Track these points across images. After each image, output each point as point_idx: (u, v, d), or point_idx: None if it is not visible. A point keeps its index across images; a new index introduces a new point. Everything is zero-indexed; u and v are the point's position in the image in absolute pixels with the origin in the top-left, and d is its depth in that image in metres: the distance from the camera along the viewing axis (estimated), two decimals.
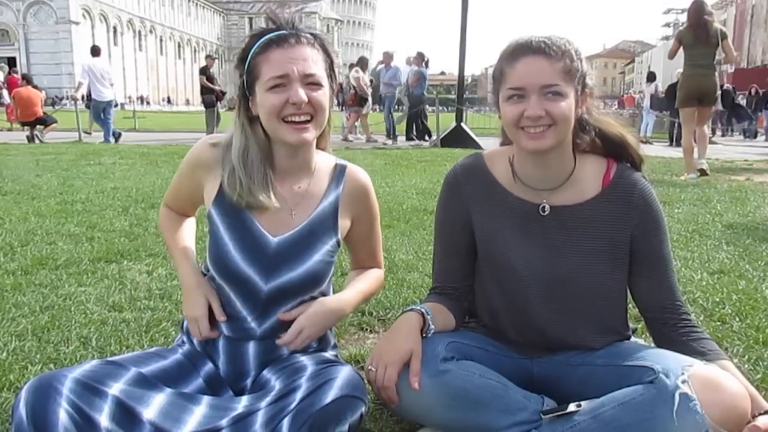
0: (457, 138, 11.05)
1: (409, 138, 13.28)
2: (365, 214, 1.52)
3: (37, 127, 11.98)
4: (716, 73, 6.16)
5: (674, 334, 1.41)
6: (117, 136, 11.92)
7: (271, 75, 1.27)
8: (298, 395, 1.18)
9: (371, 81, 14.44)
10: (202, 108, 14.15)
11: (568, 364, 1.46)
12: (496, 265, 1.48)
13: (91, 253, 3.18)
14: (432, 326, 1.42)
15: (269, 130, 1.33)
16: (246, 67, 1.32)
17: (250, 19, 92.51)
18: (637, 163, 1.46)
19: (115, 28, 65.08)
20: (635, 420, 1.22)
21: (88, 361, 1.24)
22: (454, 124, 11.83)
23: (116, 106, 12.79)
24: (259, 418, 1.17)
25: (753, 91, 18.70)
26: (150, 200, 4.76)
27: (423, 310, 1.43)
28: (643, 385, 1.25)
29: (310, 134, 1.32)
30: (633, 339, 1.56)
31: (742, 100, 17.39)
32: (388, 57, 13.57)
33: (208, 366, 1.40)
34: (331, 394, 1.18)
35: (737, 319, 2.33)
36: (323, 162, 1.47)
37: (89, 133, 13.13)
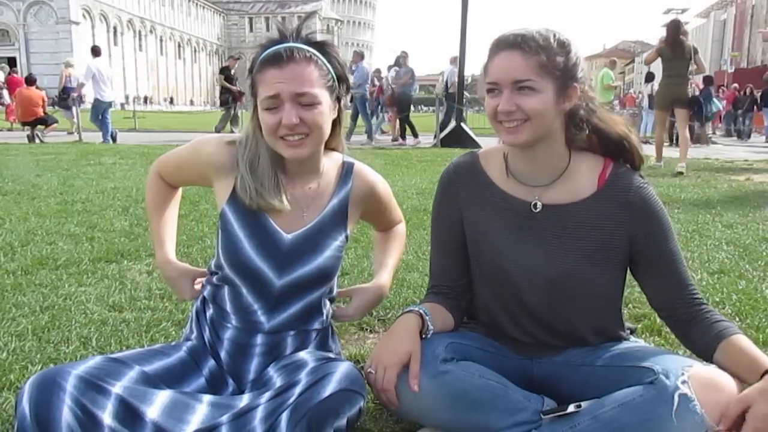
0: (457, 138, 11.06)
1: (395, 139, 13.19)
2: (375, 205, 1.59)
3: (38, 127, 11.99)
4: (689, 83, 7.38)
5: (688, 326, 1.40)
6: (114, 137, 11.94)
7: (265, 95, 1.29)
8: (297, 390, 1.19)
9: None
10: (203, 108, 14.16)
11: (568, 365, 1.45)
12: (487, 265, 1.47)
13: (92, 253, 3.18)
14: (431, 327, 1.42)
15: (269, 144, 1.35)
16: (251, 81, 1.34)
17: (250, 19, 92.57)
18: (636, 164, 1.44)
19: (115, 28, 65.08)
20: (635, 421, 1.22)
21: (92, 357, 1.24)
22: (454, 124, 11.83)
23: (113, 106, 12.78)
24: (258, 413, 1.18)
25: (748, 91, 18.61)
26: None
27: (421, 311, 1.43)
28: (643, 386, 1.25)
29: (306, 150, 1.33)
30: (633, 339, 1.56)
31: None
32: (357, 56, 13.42)
33: (211, 363, 1.41)
34: (330, 388, 1.19)
35: (737, 319, 2.33)
36: (331, 161, 1.49)
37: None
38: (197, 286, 1.55)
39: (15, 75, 19.96)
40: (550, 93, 1.30)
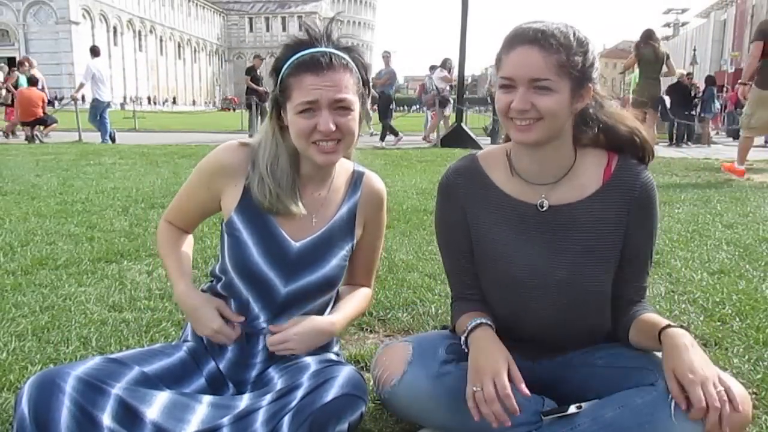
0: (457, 138, 11.04)
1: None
2: (374, 221, 1.53)
3: (37, 127, 11.99)
4: (659, 84, 8.58)
5: (620, 313, 1.41)
6: (113, 137, 11.95)
7: (301, 100, 1.27)
8: (299, 393, 1.19)
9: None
10: (204, 109, 14.15)
11: (568, 365, 1.45)
12: (492, 268, 1.45)
13: (91, 253, 3.18)
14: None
15: (299, 148, 1.34)
16: (279, 81, 1.32)
17: (250, 19, 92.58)
18: (646, 159, 1.40)
19: (115, 28, 65.11)
20: (635, 422, 1.22)
21: (92, 358, 1.24)
22: (454, 124, 11.83)
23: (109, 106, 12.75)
24: (260, 416, 1.18)
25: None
26: (150, 200, 4.76)
27: (485, 321, 1.38)
28: (643, 388, 1.25)
29: (338, 156, 1.35)
30: None
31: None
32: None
33: (211, 364, 1.41)
34: (332, 393, 1.19)
35: (737, 319, 2.33)
36: (341, 168, 1.48)
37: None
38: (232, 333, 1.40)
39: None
40: (566, 93, 1.25)
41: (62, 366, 1.17)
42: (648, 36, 8.26)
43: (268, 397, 1.21)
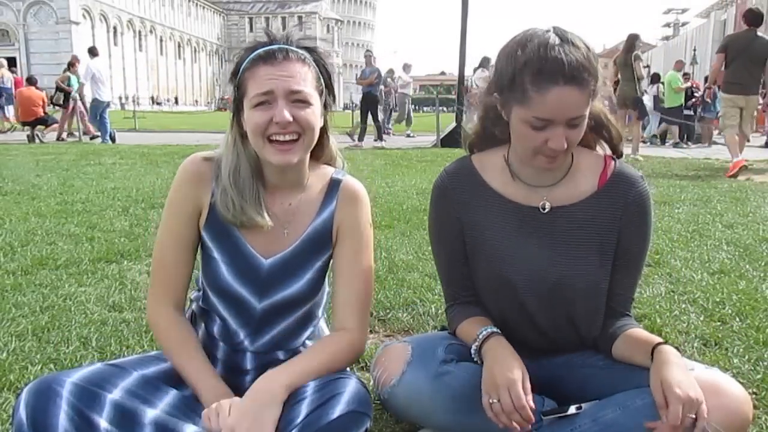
0: (457, 138, 11.05)
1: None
2: (353, 234, 1.38)
3: (38, 126, 12.00)
4: (633, 85, 8.94)
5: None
6: (113, 137, 11.95)
7: (256, 92, 1.23)
8: (304, 409, 1.16)
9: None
10: (204, 109, 14.09)
11: (569, 365, 1.45)
12: (487, 271, 1.44)
13: (92, 253, 3.18)
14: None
15: (255, 149, 1.29)
16: (237, 82, 1.28)
17: (250, 19, 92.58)
18: (615, 141, 1.42)
19: (115, 28, 65.12)
20: (636, 423, 1.21)
21: (89, 364, 1.24)
22: (453, 124, 11.83)
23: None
24: None
25: None
26: (150, 200, 4.76)
27: (496, 330, 1.37)
28: (644, 389, 1.24)
29: (296, 155, 1.27)
30: None
31: None
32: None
33: None
34: (338, 409, 1.15)
35: (737, 319, 2.33)
36: (318, 175, 1.40)
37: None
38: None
39: (15, 75, 19.94)
40: (587, 115, 1.27)
41: (59, 372, 1.17)
42: (629, 43, 9.01)
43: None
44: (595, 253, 1.38)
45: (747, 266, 3.06)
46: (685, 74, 16.21)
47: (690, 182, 6.34)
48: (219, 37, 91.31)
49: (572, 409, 1.28)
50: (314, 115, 1.27)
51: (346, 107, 42.27)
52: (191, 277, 1.39)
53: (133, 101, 29.79)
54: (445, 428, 1.38)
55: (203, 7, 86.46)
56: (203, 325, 1.43)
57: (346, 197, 1.39)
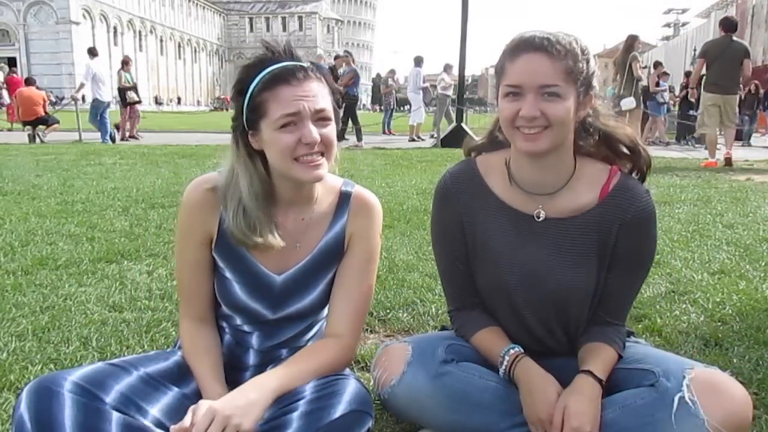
0: (457, 138, 11.03)
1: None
2: (363, 243, 1.40)
3: (39, 126, 12.01)
4: (632, 85, 9.34)
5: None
6: (113, 137, 11.97)
7: (282, 113, 1.21)
8: (303, 409, 1.16)
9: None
10: (204, 109, 14.09)
11: (569, 366, 1.44)
12: (485, 275, 1.44)
13: (92, 253, 3.18)
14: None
15: (281, 169, 1.28)
16: (248, 102, 1.24)
17: (251, 19, 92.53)
18: (644, 169, 1.39)
19: (115, 29, 65.12)
20: (636, 423, 1.22)
21: (89, 363, 1.24)
22: (454, 124, 11.83)
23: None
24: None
25: (753, 88, 17.43)
26: (150, 200, 4.75)
27: (519, 349, 1.37)
28: (644, 389, 1.25)
29: (324, 170, 1.28)
30: (633, 339, 1.55)
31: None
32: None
33: None
34: (340, 409, 1.16)
35: (738, 319, 2.33)
36: (327, 187, 1.41)
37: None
38: None
39: (15, 75, 19.98)
40: (572, 100, 1.25)
41: (59, 371, 1.17)
42: (629, 44, 9.33)
43: (271, 409, 1.18)
44: (591, 265, 1.37)
45: (747, 266, 3.06)
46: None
47: (690, 182, 6.34)
48: (219, 37, 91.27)
49: None
50: (334, 130, 1.29)
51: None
52: (213, 292, 1.41)
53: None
54: (445, 428, 1.38)
55: (203, 7, 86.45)
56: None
57: (357, 208, 1.41)
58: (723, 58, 7.66)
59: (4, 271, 2.85)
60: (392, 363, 1.38)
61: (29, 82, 13.42)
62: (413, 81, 13.88)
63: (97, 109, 11.99)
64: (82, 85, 12.32)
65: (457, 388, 1.32)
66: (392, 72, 16.71)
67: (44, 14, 57.10)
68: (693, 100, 12.59)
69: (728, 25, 7.89)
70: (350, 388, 1.22)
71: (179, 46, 79.72)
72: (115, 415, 1.11)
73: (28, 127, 12.13)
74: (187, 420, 1.08)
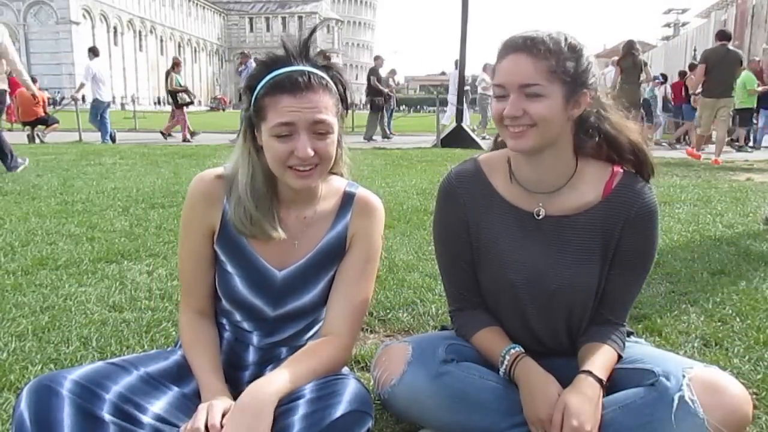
0: (457, 138, 11.05)
1: None
2: (364, 244, 1.40)
3: (38, 126, 12.01)
4: (639, 88, 9.98)
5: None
6: (113, 137, 11.97)
7: (278, 121, 1.21)
8: (303, 410, 1.15)
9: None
10: (204, 109, 14.11)
11: (569, 366, 1.44)
12: (489, 274, 1.44)
13: (92, 253, 3.18)
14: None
15: (274, 172, 1.29)
16: (253, 102, 1.25)
17: (250, 19, 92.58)
18: (646, 176, 1.39)
19: (115, 29, 65.16)
20: (635, 423, 1.22)
21: (89, 363, 1.24)
22: (454, 124, 11.83)
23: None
24: None
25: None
26: (150, 200, 4.75)
27: (520, 349, 1.38)
28: (643, 388, 1.24)
29: (315, 179, 1.28)
30: (633, 339, 1.55)
31: None
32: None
33: None
34: (341, 409, 1.15)
35: (738, 319, 2.33)
36: (331, 188, 1.41)
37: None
38: None
39: (14, 75, 19.94)
40: (559, 99, 1.25)
41: (59, 371, 1.17)
42: (629, 47, 9.76)
43: None
44: (595, 263, 1.37)
45: (747, 266, 3.06)
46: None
47: (690, 182, 6.34)
48: (219, 37, 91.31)
49: None
50: (333, 144, 1.27)
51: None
52: (213, 285, 1.41)
53: (133, 101, 29.73)
54: (445, 428, 1.38)
55: (203, 7, 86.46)
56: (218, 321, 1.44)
57: (360, 209, 1.41)
58: (720, 66, 8.40)
59: (4, 271, 2.85)
60: (392, 363, 1.38)
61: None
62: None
63: (97, 109, 11.99)
64: (82, 85, 12.31)
65: (457, 388, 1.32)
66: (393, 72, 16.68)
67: (44, 14, 57.15)
68: (694, 104, 12.66)
69: (723, 35, 8.80)
70: (350, 388, 1.22)
71: (179, 46, 79.74)
72: (112, 418, 1.10)
73: (27, 127, 12.14)
74: (200, 420, 1.10)
